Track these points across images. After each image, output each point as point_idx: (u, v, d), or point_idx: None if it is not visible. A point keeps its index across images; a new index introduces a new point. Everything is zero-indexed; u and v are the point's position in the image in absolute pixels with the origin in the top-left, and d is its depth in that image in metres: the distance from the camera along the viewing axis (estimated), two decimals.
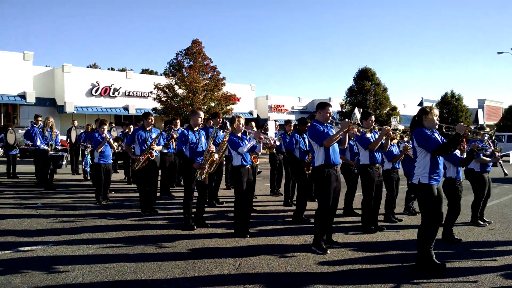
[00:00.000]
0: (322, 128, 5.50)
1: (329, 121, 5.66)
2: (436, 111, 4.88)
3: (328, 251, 5.48)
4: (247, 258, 5.21)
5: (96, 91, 32.80)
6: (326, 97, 46.24)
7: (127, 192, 10.75)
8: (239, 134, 6.30)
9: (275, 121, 9.22)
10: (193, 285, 4.30)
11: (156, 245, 5.76)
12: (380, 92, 34.22)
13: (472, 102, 64.81)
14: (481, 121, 6.32)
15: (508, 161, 6.94)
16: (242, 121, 6.33)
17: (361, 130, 5.55)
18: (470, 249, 5.85)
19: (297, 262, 5.11)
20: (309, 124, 7.28)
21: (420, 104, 55.10)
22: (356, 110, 5.61)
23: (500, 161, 7.07)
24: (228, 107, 26.52)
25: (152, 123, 8.21)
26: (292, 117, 39.88)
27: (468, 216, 7.48)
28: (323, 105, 5.66)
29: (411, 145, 7.36)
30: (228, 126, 6.44)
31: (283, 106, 45.66)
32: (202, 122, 6.94)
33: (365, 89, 34.20)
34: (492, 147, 6.96)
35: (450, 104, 45.06)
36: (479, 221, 7.31)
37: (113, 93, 33.71)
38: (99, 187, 8.86)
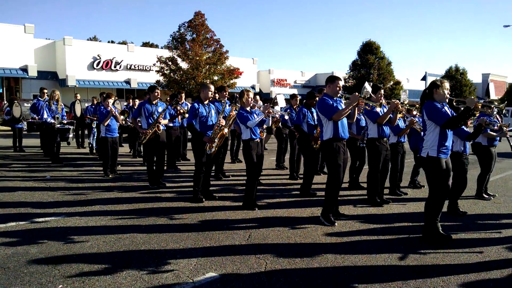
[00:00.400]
0: (331, 102, 5.50)
1: (338, 95, 5.66)
2: (447, 85, 4.87)
3: (336, 223, 5.58)
4: (257, 230, 5.32)
5: (97, 65, 32.59)
6: (329, 71, 45.88)
7: (133, 165, 10.84)
8: (248, 108, 6.32)
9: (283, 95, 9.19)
10: (206, 255, 4.40)
11: (167, 217, 5.87)
12: (384, 66, 33.94)
13: (476, 76, 64.43)
14: (492, 95, 6.28)
15: None
16: (251, 95, 6.33)
17: (370, 104, 5.56)
18: (475, 222, 5.94)
19: (306, 233, 5.22)
20: (317, 99, 7.30)
21: (424, 78, 54.61)
22: (366, 84, 5.59)
23: (507, 136, 7.09)
24: (232, 81, 26.38)
25: (159, 96, 8.20)
26: (294, 91, 39.67)
27: (471, 190, 7.55)
28: (333, 79, 5.64)
29: (417, 119, 7.40)
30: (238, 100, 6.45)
31: (286, 80, 45.40)
32: (212, 95, 6.93)
33: (369, 63, 33.92)
34: (500, 121, 6.96)
35: (454, 79, 44.75)
36: (484, 194, 7.39)
37: (115, 67, 33.50)
38: (106, 161, 8.94)
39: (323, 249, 4.65)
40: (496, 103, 6.16)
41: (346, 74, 36.77)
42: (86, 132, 14.28)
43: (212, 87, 6.98)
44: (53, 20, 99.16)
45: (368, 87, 5.55)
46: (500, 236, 5.26)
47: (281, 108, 9.52)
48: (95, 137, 12.20)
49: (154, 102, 8.06)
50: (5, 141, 15.66)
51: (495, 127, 6.71)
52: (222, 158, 9.16)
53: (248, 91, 6.31)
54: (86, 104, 14.77)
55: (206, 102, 6.83)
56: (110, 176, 8.88)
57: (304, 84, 46.93)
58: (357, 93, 5.46)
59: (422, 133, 7.65)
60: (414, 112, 6.90)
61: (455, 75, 44.99)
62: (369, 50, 34.73)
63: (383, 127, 6.50)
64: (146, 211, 6.18)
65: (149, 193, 7.39)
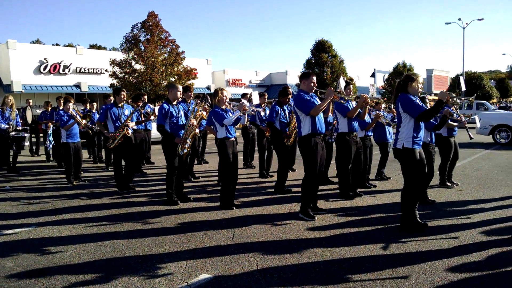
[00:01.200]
0: (308, 97, 5.55)
1: (313, 91, 5.72)
2: (421, 79, 5.05)
3: (316, 218, 5.65)
4: (240, 229, 5.28)
5: (44, 69, 31.08)
6: (283, 70, 46.48)
7: (95, 171, 10.45)
8: (223, 107, 6.26)
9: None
10: (194, 257, 4.32)
11: (144, 221, 5.71)
12: (337, 64, 34.67)
13: (421, 71, 67.29)
14: (463, 88, 6.59)
15: (474, 127, 7.48)
16: (226, 93, 6.28)
17: (345, 98, 5.67)
18: (444, 209, 6.21)
19: (289, 229, 5.24)
20: (290, 96, 7.36)
21: (373, 75, 56.39)
22: (341, 79, 5.70)
23: (465, 126, 7.46)
24: (189, 82, 26.01)
25: (125, 99, 7.95)
26: (249, 91, 39.69)
27: (435, 179, 7.88)
28: (307, 75, 5.69)
29: (382, 113, 7.64)
30: (209, 100, 6.38)
31: (241, 80, 45.40)
32: (181, 96, 6.80)
33: (323, 61, 34.51)
34: (459, 112, 7.32)
35: (402, 74, 46.37)
36: (447, 183, 7.75)
37: (63, 70, 32.08)
38: (69, 167, 8.55)
39: (309, 244, 4.70)
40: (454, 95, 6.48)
41: (301, 72, 37.28)
42: (40, 139, 13.58)
43: (180, 87, 6.86)
44: None
45: (342, 82, 5.66)
46: (470, 222, 5.52)
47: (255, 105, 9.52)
48: (51, 144, 11.63)
49: (120, 105, 7.80)
50: None
51: (458, 118, 7.05)
52: (191, 160, 9.03)
53: (222, 90, 6.26)
54: (38, 110, 14.06)
55: (175, 103, 6.70)
56: (74, 183, 8.51)
57: (259, 84, 47.15)
58: (332, 88, 5.56)
59: (387, 126, 7.96)
60: (383, 106, 7.11)
61: (402, 71, 46.77)
62: (322, 48, 35.29)
63: (353, 121, 6.65)
64: (121, 216, 5.98)
65: (120, 198, 7.16)
